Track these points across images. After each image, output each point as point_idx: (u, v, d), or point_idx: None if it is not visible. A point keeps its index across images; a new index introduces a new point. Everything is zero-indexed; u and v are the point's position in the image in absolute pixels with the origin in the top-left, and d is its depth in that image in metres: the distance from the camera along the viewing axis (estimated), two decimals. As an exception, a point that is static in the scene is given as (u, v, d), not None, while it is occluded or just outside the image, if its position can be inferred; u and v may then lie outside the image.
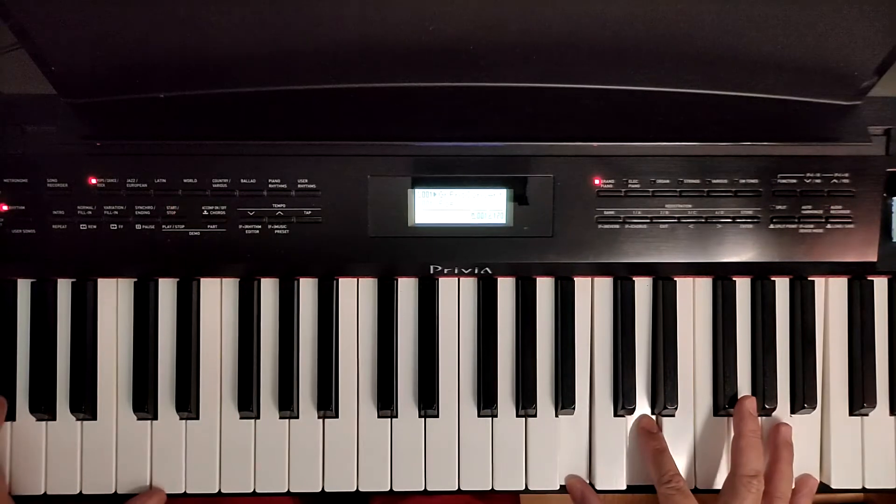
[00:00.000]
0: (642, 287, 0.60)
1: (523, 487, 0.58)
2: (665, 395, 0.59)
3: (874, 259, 0.57)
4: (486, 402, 0.58)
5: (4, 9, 0.49)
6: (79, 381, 0.57)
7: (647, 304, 0.60)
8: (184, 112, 0.57)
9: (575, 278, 0.60)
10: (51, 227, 0.55)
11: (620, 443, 0.59)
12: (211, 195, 0.55)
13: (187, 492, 0.58)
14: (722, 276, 0.60)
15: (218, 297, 0.59)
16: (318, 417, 0.58)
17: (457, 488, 0.58)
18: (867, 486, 0.60)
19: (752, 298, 0.60)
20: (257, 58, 0.55)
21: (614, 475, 0.59)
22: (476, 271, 0.58)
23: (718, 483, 0.59)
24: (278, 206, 0.55)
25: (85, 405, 0.57)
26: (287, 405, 0.58)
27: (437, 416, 0.59)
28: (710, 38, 0.53)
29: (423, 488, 0.58)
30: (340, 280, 0.59)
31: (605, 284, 0.60)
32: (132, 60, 0.54)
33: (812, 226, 0.57)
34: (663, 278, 0.60)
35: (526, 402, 0.58)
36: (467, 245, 0.57)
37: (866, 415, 0.60)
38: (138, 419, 0.58)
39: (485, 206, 0.57)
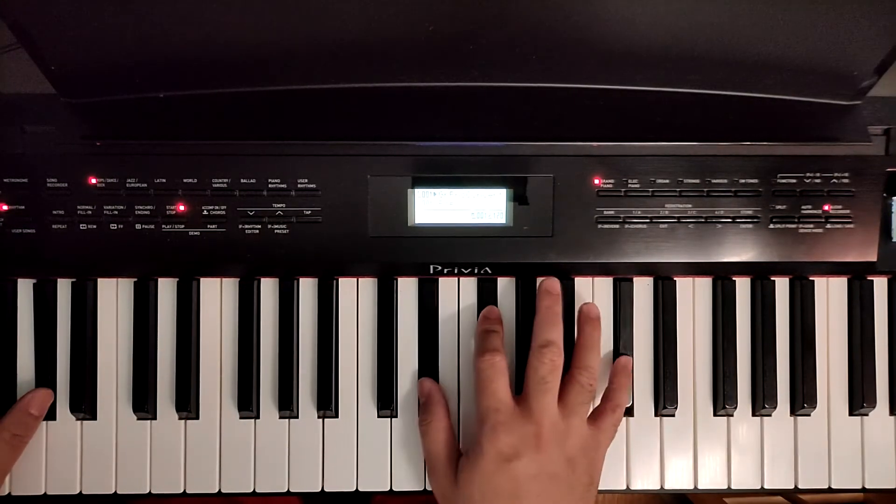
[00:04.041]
0: (642, 287, 0.60)
1: (523, 487, 0.58)
2: (665, 395, 0.59)
3: (874, 259, 0.57)
4: (486, 401, 0.58)
5: (4, 8, 0.49)
6: (78, 380, 0.57)
7: (647, 304, 0.60)
8: (184, 112, 0.57)
9: (575, 278, 0.60)
10: (51, 227, 0.55)
11: (620, 442, 0.59)
12: (211, 195, 0.55)
13: (187, 492, 0.58)
14: (722, 275, 0.60)
15: (218, 297, 0.59)
16: (318, 417, 0.58)
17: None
18: (867, 486, 0.60)
19: (752, 298, 0.60)
20: (257, 58, 0.55)
21: (615, 475, 0.59)
22: (476, 271, 0.58)
23: (720, 483, 0.59)
24: (278, 206, 0.55)
25: (85, 405, 0.57)
26: (287, 405, 0.58)
27: (437, 416, 0.59)
28: (709, 38, 0.53)
29: (423, 488, 0.58)
30: (340, 280, 0.59)
31: (604, 284, 0.60)
32: (132, 60, 0.54)
33: (812, 226, 0.57)
34: (663, 278, 0.60)
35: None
36: (467, 245, 0.57)
37: (866, 415, 0.60)
38: (138, 419, 0.58)
39: (485, 206, 0.57)
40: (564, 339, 0.57)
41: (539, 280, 0.58)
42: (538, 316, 0.56)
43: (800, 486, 0.59)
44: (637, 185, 0.56)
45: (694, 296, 0.60)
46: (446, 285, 0.60)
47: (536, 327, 0.55)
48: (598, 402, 0.58)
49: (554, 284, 0.57)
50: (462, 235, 0.57)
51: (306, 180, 0.55)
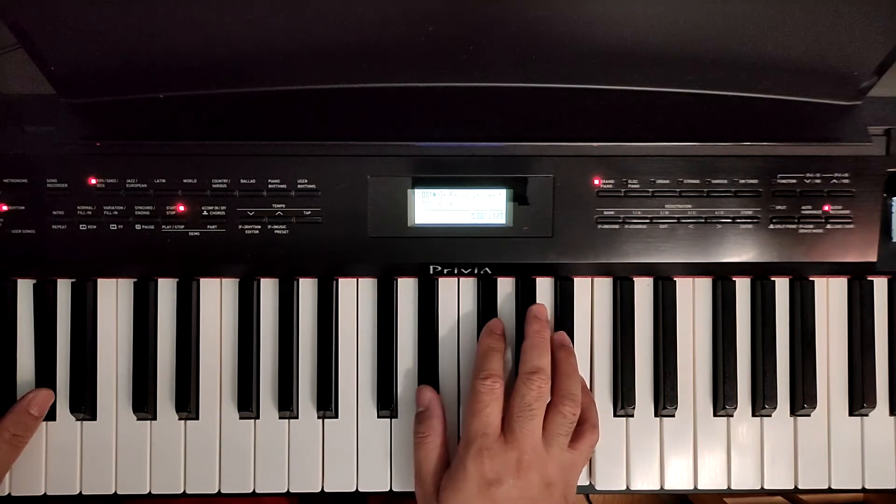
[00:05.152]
0: (642, 287, 0.60)
1: (523, 487, 0.58)
2: (665, 395, 0.59)
3: (874, 259, 0.57)
4: (486, 402, 0.58)
5: (4, 8, 0.49)
6: (78, 381, 0.58)
7: (647, 304, 0.60)
8: (184, 112, 0.57)
9: (575, 278, 0.60)
10: (51, 227, 0.55)
11: (620, 442, 0.59)
12: (211, 195, 0.55)
13: (187, 492, 0.58)
14: (722, 276, 0.60)
15: (218, 297, 0.59)
16: (318, 417, 0.58)
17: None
18: (867, 486, 0.60)
19: (752, 298, 0.60)
20: (257, 58, 0.55)
21: (615, 475, 0.59)
22: (476, 271, 0.58)
23: (720, 483, 0.59)
24: (278, 206, 0.55)
25: (85, 405, 0.57)
26: (287, 405, 0.58)
27: (436, 417, 0.59)
28: (709, 38, 0.53)
29: (422, 488, 0.58)
30: (340, 280, 0.59)
31: (604, 284, 0.60)
32: (132, 60, 0.54)
33: (812, 226, 0.57)
34: (663, 278, 0.60)
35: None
36: (467, 245, 0.57)
37: (866, 415, 0.60)
38: (138, 419, 0.58)
39: (485, 207, 0.57)
40: (563, 328, 0.58)
41: (529, 308, 0.58)
42: (527, 341, 0.56)
43: (800, 487, 0.59)
44: (637, 186, 0.56)
45: (694, 296, 0.60)
46: (446, 286, 0.60)
47: (525, 353, 0.55)
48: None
49: (541, 310, 0.58)
50: (462, 236, 0.57)
51: (306, 180, 0.55)
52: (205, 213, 0.55)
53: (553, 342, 0.57)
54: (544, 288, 0.60)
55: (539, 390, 0.53)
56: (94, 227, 0.55)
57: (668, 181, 0.56)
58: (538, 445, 0.52)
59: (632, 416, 0.59)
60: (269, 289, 0.59)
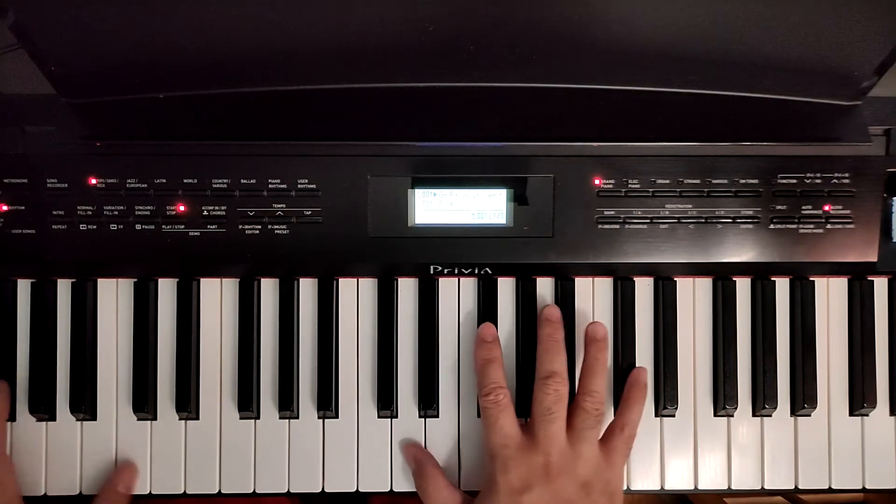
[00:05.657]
0: (642, 287, 0.60)
1: (523, 487, 0.58)
2: (665, 395, 0.59)
3: (874, 259, 0.57)
4: (487, 402, 0.58)
5: (4, 9, 0.49)
6: (79, 381, 0.57)
7: (648, 304, 0.60)
8: (184, 112, 0.57)
9: (575, 278, 0.60)
10: (51, 227, 0.55)
11: (620, 443, 0.59)
12: (211, 195, 0.55)
13: (187, 492, 0.58)
14: (722, 276, 0.60)
15: (218, 297, 0.59)
16: (318, 417, 0.58)
17: (458, 488, 0.58)
18: (867, 486, 0.60)
19: (752, 298, 0.60)
20: (257, 58, 0.55)
21: (614, 475, 0.59)
22: (476, 271, 0.58)
23: (720, 484, 0.59)
24: (278, 206, 0.55)
25: (85, 405, 0.57)
26: (287, 405, 0.58)
27: (437, 416, 0.59)
28: (710, 38, 0.53)
29: (423, 488, 0.58)
30: (340, 280, 0.59)
31: (605, 284, 0.60)
32: (132, 60, 0.54)
33: (812, 226, 0.57)
34: (663, 278, 0.60)
35: (526, 402, 0.58)
36: (467, 245, 0.57)
37: (866, 415, 0.60)
38: (138, 419, 0.58)
39: (485, 207, 0.57)
40: (567, 343, 0.57)
41: (540, 308, 0.58)
42: (540, 345, 0.56)
43: (800, 487, 0.60)
44: (637, 186, 0.56)
45: (694, 296, 0.60)
46: (446, 286, 0.60)
47: (539, 357, 0.55)
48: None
49: (554, 311, 0.57)
50: (462, 236, 0.57)
51: (306, 180, 0.55)
52: (205, 213, 0.55)
53: (587, 335, 0.57)
54: (545, 288, 0.60)
55: (556, 394, 0.52)
56: (94, 227, 0.55)
57: (668, 181, 0.56)
58: (564, 447, 0.52)
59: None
60: (269, 289, 0.59)
